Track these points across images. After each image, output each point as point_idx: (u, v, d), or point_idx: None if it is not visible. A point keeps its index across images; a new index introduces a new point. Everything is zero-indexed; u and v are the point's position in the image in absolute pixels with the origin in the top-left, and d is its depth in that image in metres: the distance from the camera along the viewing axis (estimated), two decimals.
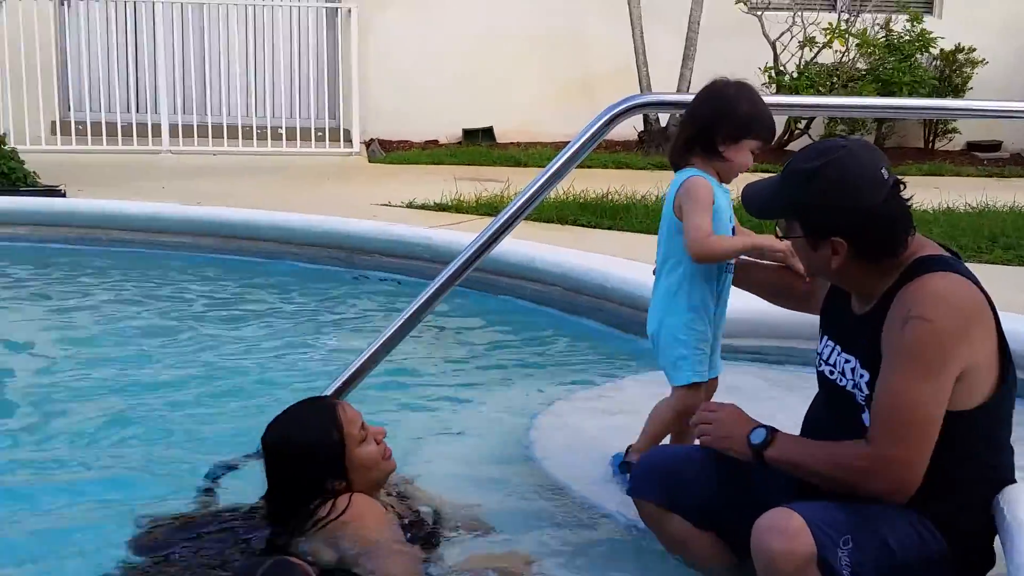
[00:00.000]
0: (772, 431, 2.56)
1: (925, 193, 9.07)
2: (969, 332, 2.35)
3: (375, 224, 6.28)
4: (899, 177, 2.44)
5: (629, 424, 3.58)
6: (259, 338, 5.26)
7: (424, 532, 2.95)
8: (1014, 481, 2.52)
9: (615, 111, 3.36)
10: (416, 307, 3.37)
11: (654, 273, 3.29)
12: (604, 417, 3.87)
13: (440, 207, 8.04)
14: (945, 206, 8.34)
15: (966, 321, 2.36)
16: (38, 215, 6.89)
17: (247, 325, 5.47)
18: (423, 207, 8.09)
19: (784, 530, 2.41)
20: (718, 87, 3.30)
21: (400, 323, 3.36)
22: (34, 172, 8.25)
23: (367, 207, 8.00)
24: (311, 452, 2.74)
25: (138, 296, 5.88)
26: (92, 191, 8.19)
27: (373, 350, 3.38)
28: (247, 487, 3.26)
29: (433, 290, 3.34)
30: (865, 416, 2.51)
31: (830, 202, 2.42)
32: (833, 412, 2.65)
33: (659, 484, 2.80)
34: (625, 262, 5.35)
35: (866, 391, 2.51)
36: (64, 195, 7.91)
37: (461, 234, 5.93)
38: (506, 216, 3.37)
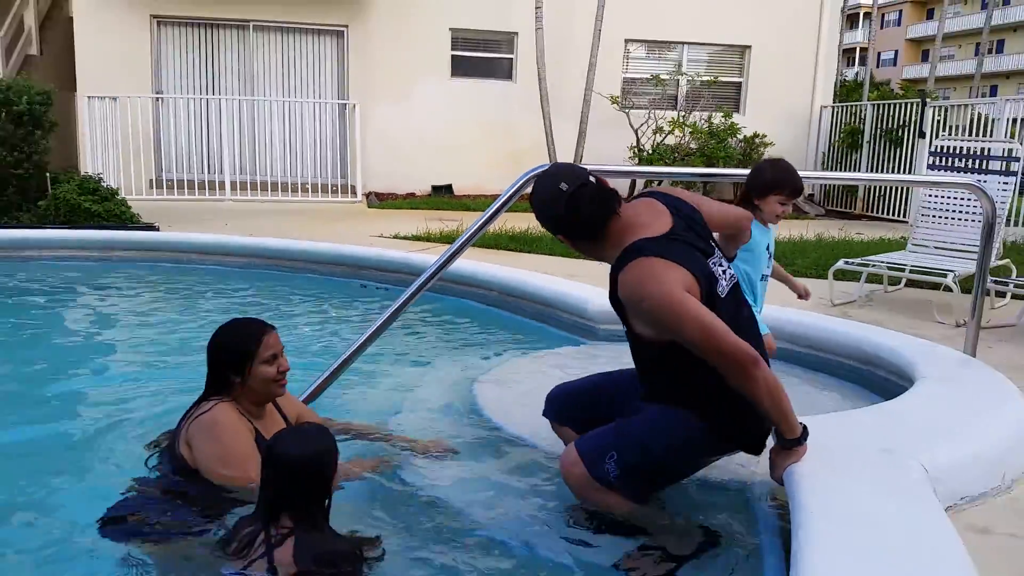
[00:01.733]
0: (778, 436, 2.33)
1: None
2: (675, 282, 2.19)
3: (373, 250, 6.27)
4: (586, 180, 2.30)
5: (543, 381, 3.58)
6: (296, 324, 5.19)
7: None
8: None
9: (529, 175, 3.34)
10: (393, 309, 3.27)
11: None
12: (529, 378, 3.79)
13: (416, 237, 8.03)
14: None
15: (672, 281, 2.19)
16: (141, 243, 6.75)
17: (289, 316, 5.41)
18: (405, 237, 8.07)
19: (565, 462, 2.44)
20: (757, 165, 3.28)
21: (381, 322, 3.26)
22: (137, 214, 8.12)
23: (367, 237, 7.98)
24: (226, 348, 2.51)
25: (210, 299, 5.82)
26: (178, 227, 8.08)
27: (361, 341, 3.26)
28: None
29: (406, 297, 3.27)
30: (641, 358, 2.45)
31: (543, 211, 2.37)
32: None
33: (553, 406, 2.76)
34: (540, 274, 5.37)
35: (630, 341, 2.45)
36: (158, 229, 7.79)
37: (430, 256, 5.93)
38: (457, 245, 3.32)
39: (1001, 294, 5.73)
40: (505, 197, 3.36)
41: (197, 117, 11.48)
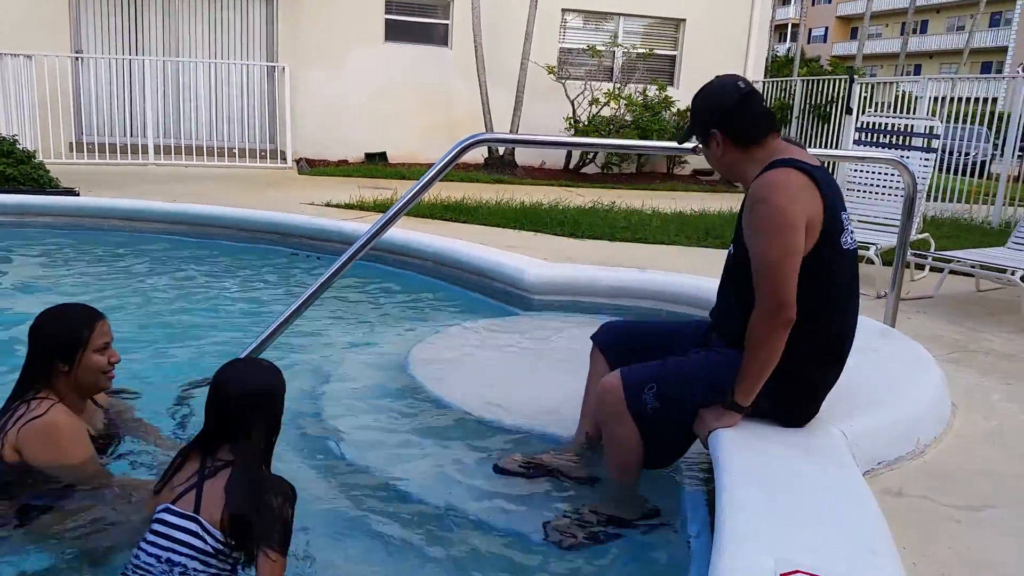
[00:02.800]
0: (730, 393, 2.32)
1: (666, 202, 9.44)
2: (801, 195, 2.18)
3: (304, 217, 6.12)
4: (755, 89, 2.37)
5: (475, 351, 3.62)
6: (219, 295, 5.05)
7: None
8: (841, 353, 2.35)
9: (464, 144, 3.31)
10: (325, 277, 3.18)
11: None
12: (462, 347, 3.80)
13: (349, 206, 7.89)
14: (679, 211, 8.65)
15: (797, 189, 2.18)
16: (57, 209, 6.46)
17: (211, 287, 5.25)
18: (337, 206, 7.92)
19: (605, 384, 2.41)
20: None
21: (313, 289, 3.18)
22: (56, 178, 7.77)
23: (297, 205, 7.79)
24: (56, 332, 2.31)
25: (130, 267, 5.61)
26: (98, 192, 7.77)
27: (294, 308, 3.18)
28: None
29: (338, 265, 3.18)
30: (736, 281, 2.38)
31: (703, 105, 2.38)
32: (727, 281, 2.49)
33: (607, 336, 2.68)
34: (475, 244, 5.33)
35: (731, 262, 2.43)
36: (78, 195, 7.48)
37: (363, 225, 5.86)
38: (393, 211, 3.24)
39: (920, 267, 5.95)
40: (440, 165, 3.31)
41: (119, 79, 11.04)
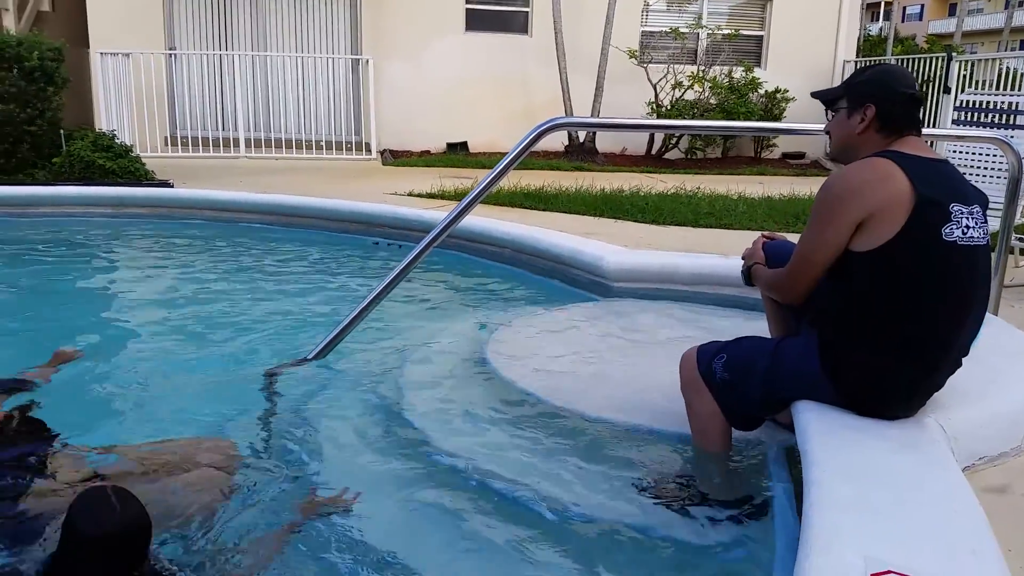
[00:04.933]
0: (754, 265, 2.63)
1: (754, 187, 9.18)
2: (861, 192, 2.12)
3: (387, 207, 6.20)
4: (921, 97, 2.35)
5: (553, 339, 3.58)
6: (309, 280, 5.20)
7: None
8: (914, 354, 2.19)
9: (541, 128, 3.31)
10: (402, 266, 3.26)
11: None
12: (540, 335, 3.77)
13: (430, 195, 7.95)
14: (767, 195, 8.40)
15: (858, 185, 2.13)
16: (155, 200, 6.70)
17: (303, 273, 5.40)
18: (419, 195, 8.00)
19: (684, 354, 2.54)
20: None
21: (390, 279, 3.25)
22: (152, 171, 8.10)
23: (381, 195, 7.93)
24: None
25: (224, 255, 5.81)
26: (191, 184, 8.05)
27: (371, 297, 3.27)
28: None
29: (414, 254, 3.25)
30: None
31: (874, 78, 2.34)
32: None
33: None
34: (554, 232, 5.27)
35: None
36: (172, 186, 7.77)
37: (442, 212, 5.89)
38: (469, 198, 3.28)
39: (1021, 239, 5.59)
40: (518, 149, 3.32)
41: (210, 74, 11.40)
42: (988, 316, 3.51)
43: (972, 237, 2.15)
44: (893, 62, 11.92)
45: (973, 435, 2.45)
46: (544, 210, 7.31)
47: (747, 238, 6.48)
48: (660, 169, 11.47)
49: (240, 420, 2.85)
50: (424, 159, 11.59)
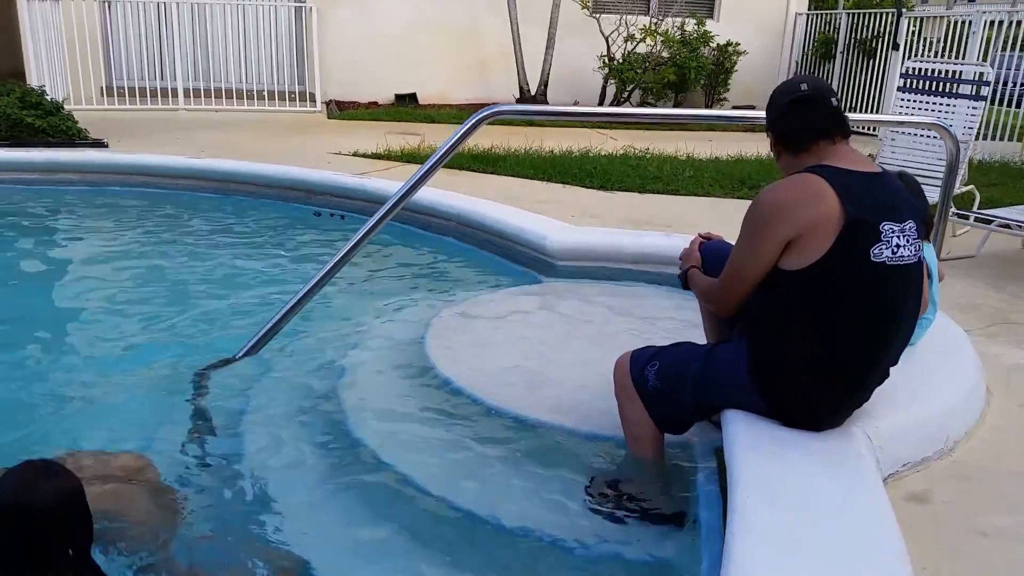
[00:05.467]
0: (690, 269, 2.62)
1: (703, 145, 9.16)
2: (790, 212, 2.11)
3: (328, 174, 6.01)
4: (828, 97, 2.24)
5: (493, 330, 3.52)
6: (246, 253, 5.06)
7: None
8: (841, 370, 2.20)
9: (477, 118, 3.22)
10: (338, 257, 3.17)
11: None
12: (480, 323, 3.69)
13: (376, 156, 7.79)
14: (715, 156, 8.38)
15: (787, 205, 2.12)
16: (86, 166, 6.41)
17: (238, 246, 5.24)
18: (364, 155, 7.83)
19: (617, 362, 2.53)
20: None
21: (326, 270, 3.16)
22: (85, 129, 7.75)
23: (325, 154, 7.76)
24: None
25: (153, 228, 5.59)
26: (127, 142, 7.76)
27: (303, 292, 3.17)
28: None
29: (349, 246, 3.16)
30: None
31: (767, 107, 2.36)
32: None
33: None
34: (500, 206, 5.12)
35: None
36: (107, 146, 7.48)
37: (387, 182, 5.76)
38: (402, 191, 3.21)
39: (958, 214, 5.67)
40: (452, 142, 3.27)
41: (146, 22, 10.90)
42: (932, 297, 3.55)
43: (902, 256, 2.15)
44: (844, 17, 11.88)
45: (899, 442, 2.48)
46: (493, 173, 7.21)
47: (693, 205, 6.51)
48: (611, 124, 11.35)
49: (162, 429, 2.78)
50: (371, 112, 11.31)
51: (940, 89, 6.11)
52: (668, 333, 3.37)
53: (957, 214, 5.13)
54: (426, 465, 2.60)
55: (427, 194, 5.15)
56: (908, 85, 6.26)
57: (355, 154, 7.85)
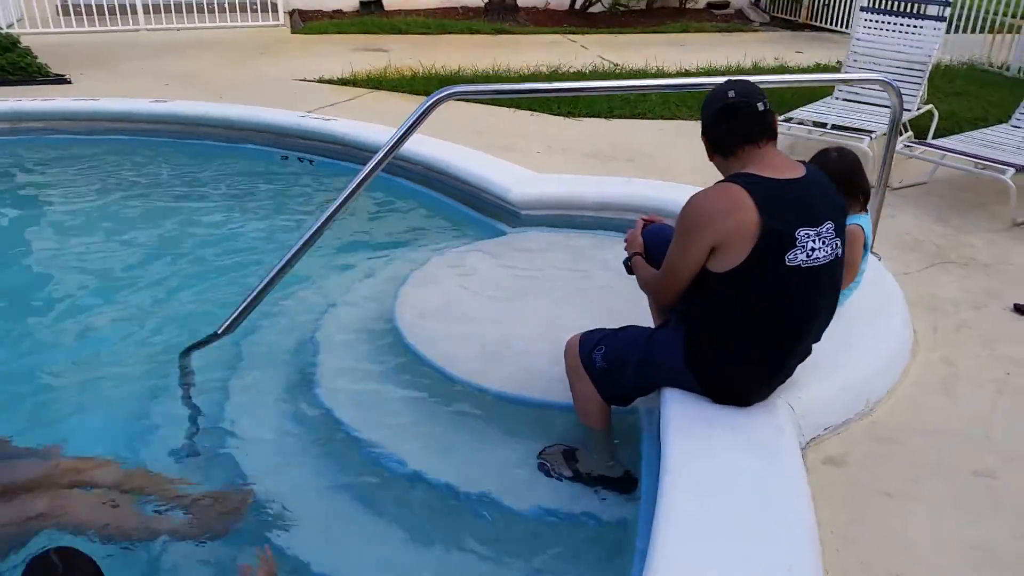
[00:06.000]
0: (635, 256, 2.78)
1: (674, 54, 9.11)
2: (712, 221, 2.29)
3: (294, 117, 5.97)
4: (755, 101, 2.37)
5: (460, 290, 3.66)
6: (214, 203, 5.15)
7: None
8: (762, 360, 2.47)
9: (433, 99, 3.24)
10: (308, 235, 3.17)
11: None
12: (447, 284, 3.84)
13: (342, 81, 7.75)
14: (684, 68, 8.38)
15: (709, 214, 2.30)
16: (50, 114, 6.28)
17: (206, 193, 5.32)
18: (330, 81, 7.79)
19: (568, 344, 2.76)
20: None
21: (292, 253, 3.19)
22: (45, 64, 7.62)
23: (290, 82, 7.72)
24: None
25: (121, 172, 5.66)
26: (91, 75, 7.66)
27: (279, 267, 3.20)
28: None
29: (315, 227, 3.19)
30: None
31: (701, 114, 2.49)
32: None
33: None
34: (461, 153, 5.17)
35: None
36: (70, 82, 7.39)
37: (354, 123, 5.80)
38: (362, 174, 3.17)
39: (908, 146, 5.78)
40: (409, 123, 3.27)
41: None
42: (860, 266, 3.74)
43: (817, 258, 2.35)
44: None
45: (820, 410, 2.74)
46: (462, 100, 7.18)
47: (658, 133, 6.58)
48: (583, 29, 11.19)
49: (143, 414, 3.06)
50: (336, 23, 11.06)
51: (907, 10, 6.14)
52: (629, 284, 3.53)
53: (907, 146, 5.28)
54: (393, 439, 2.87)
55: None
56: (873, 5, 6.26)
57: (320, 80, 7.80)
